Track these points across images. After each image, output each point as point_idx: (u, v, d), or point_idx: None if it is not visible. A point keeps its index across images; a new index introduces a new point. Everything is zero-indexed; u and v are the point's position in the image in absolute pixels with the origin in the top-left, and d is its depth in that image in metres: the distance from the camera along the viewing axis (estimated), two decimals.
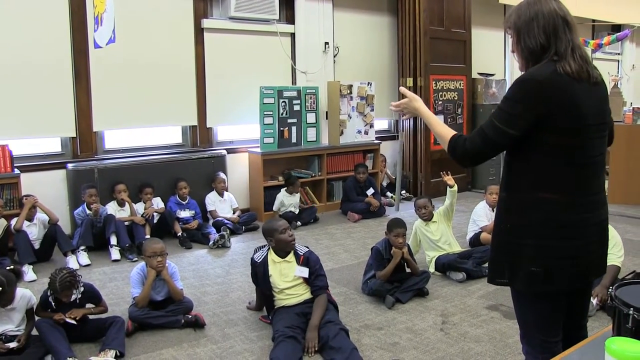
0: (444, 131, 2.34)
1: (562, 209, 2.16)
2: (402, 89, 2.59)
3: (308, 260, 4.04)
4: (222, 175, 6.98)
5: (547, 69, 2.12)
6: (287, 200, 7.23)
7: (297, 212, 7.26)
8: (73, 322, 3.69)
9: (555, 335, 2.29)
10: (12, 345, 3.52)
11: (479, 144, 2.18)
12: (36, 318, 3.76)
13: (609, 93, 2.35)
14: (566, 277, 2.19)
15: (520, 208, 2.22)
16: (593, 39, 11.63)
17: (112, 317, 3.91)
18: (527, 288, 2.23)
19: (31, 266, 5.27)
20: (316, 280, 4.00)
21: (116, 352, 3.63)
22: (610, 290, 1.92)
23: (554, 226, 2.16)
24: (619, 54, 13.92)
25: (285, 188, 7.26)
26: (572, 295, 2.32)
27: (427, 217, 5.31)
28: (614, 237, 4.48)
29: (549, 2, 2.18)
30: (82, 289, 3.83)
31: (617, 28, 12.62)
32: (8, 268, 3.56)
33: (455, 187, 5.35)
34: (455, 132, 2.30)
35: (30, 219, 5.52)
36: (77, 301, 3.82)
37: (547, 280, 2.18)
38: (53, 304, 3.74)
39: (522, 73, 2.19)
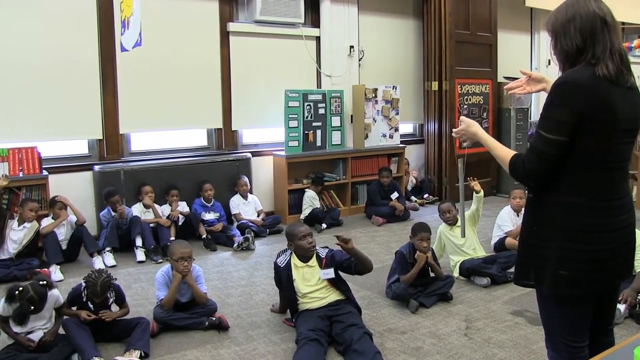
0: (503, 154, 2.30)
1: (589, 212, 2.14)
2: (462, 118, 2.56)
3: (331, 259, 4.04)
4: (244, 178, 6.99)
5: (586, 72, 2.09)
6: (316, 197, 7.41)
7: (323, 212, 7.35)
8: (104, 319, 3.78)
9: (582, 340, 2.27)
10: (37, 338, 3.59)
11: (535, 162, 2.14)
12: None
13: None
14: (591, 281, 2.17)
15: (547, 211, 2.21)
16: (623, 42, 11.46)
17: (138, 318, 3.94)
18: (552, 291, 2.22)
19: (58, 266, 5.35)
20: (347, 261, 4.03)
21: (141, 353, 3.66)
22: (638, 297, 1.89)
23: (580, 230, 2.15)
24: None
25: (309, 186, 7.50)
26: (600, 298, 2.30)
27: (452, 222, 5.27)
28: None
29: (589, 3, 2.14)
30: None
31: None
32: (41, 283, 3.61)
33: (482, 193, 5.31)
34: (514, 153, 2.26)
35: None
36: (109, 303, 3.89)
37: (573, 283, 2.17)
38: (91, 305, 3.81)
39: (559, 76, 2.17)
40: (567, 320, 2.26)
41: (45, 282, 3.64)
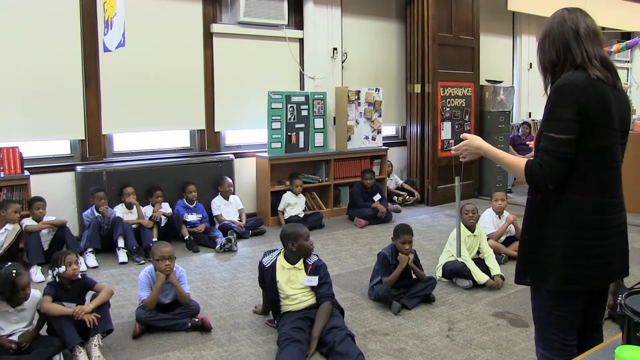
0: (514, 162, 2.34)
1: (590, 210, 2.23)
2: (463, 135, 2.56)
3: (317, 269, 4.03)
4: (228, 179, 6.98)
5: (581, 75, 2.19)
6: (292, 200, 7.35)
7: (301, 217, 7.26)
8: (90, 318, 3.67)
9: (573, 337, 2.35)
10: (16, 339, 3.54)
11: (552, 163, 2.18)
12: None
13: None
14: (596, 276, 2.27)
15: (550, 210, 2.27)
16: (604, 47, 11.57)
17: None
18: (558, 287, 2.28)
19: (39, 267, 5.30)
20: (321, 287, 3.99)
21: (99, 338, 3.69)
22: (619, 298, 1.93)
23: (582, 227, 2.23)
24: (628, 61, 13.87)
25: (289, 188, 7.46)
26: (592, 294, 2.38)
27: (473, 221, 5.27)
28: None
29: (563, 17, 2.28)
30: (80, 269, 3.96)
31: (626, 36, 12.57)
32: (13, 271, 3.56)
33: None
34: (527, 160, 2.29)
35: (38, 220, 5.55)
36: (79, 289, 3.89)
37: (577, 279, 2.25)
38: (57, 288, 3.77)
39: (557, 80, 2.25)
40: (563, 318, 2.32)
41: (15, 271, 3.55)
